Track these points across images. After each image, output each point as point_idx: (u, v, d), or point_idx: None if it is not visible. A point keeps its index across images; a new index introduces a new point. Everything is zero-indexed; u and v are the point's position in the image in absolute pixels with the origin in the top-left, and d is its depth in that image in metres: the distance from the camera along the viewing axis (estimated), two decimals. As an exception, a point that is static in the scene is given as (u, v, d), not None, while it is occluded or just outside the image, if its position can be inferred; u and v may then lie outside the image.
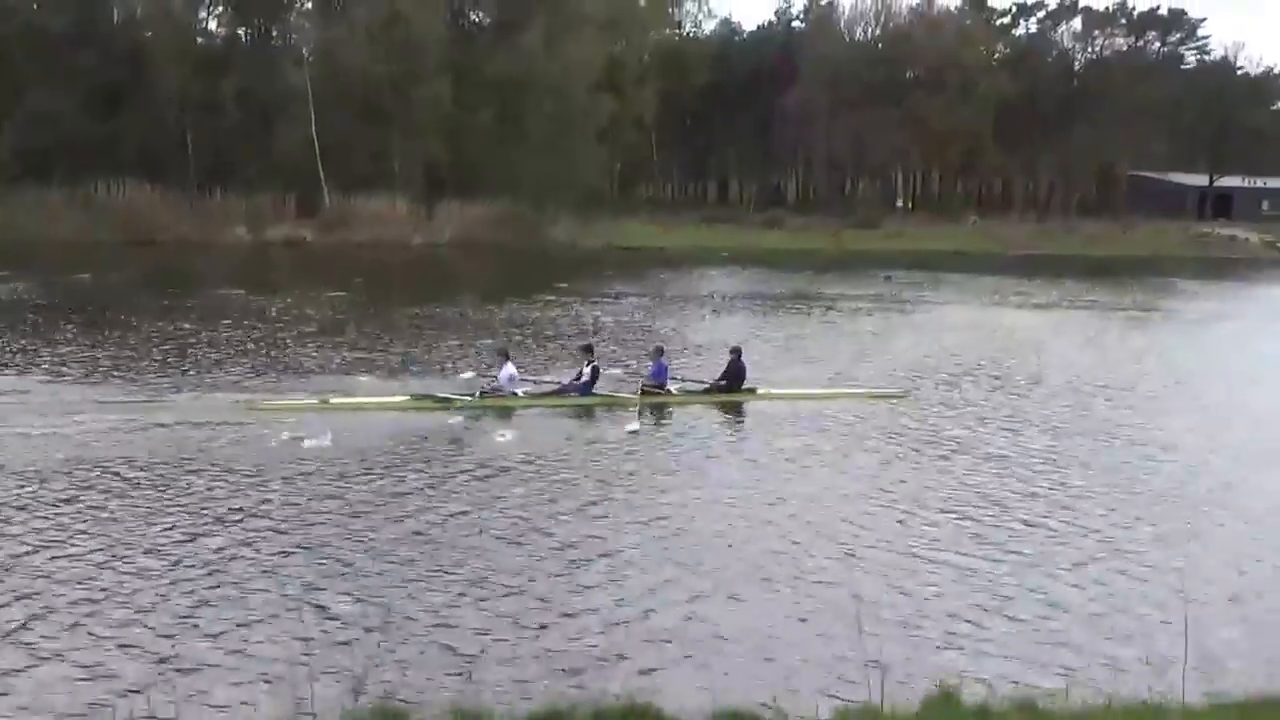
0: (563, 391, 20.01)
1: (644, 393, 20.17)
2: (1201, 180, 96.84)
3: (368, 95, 67.01)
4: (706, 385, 20.84)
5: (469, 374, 21.36)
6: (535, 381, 20.34)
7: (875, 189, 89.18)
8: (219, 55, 67.29)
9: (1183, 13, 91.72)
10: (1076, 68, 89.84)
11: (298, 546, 11.59)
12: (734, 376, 20.79)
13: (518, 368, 20.04)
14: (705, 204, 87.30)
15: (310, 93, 66.57)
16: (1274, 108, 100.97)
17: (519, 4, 72.03)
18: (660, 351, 21.16)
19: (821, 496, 14.09)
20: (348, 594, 10.30)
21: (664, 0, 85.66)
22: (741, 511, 13.28)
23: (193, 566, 10.89)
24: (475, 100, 69.20)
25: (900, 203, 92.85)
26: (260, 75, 67.39)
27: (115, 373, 21.34)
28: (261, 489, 13.63)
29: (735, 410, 19.80)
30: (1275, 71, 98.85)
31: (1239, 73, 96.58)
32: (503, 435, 17.01)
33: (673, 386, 20.55)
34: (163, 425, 16.76)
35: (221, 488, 13.63)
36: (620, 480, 14.66)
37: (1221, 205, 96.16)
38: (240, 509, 12.79)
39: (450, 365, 23.18)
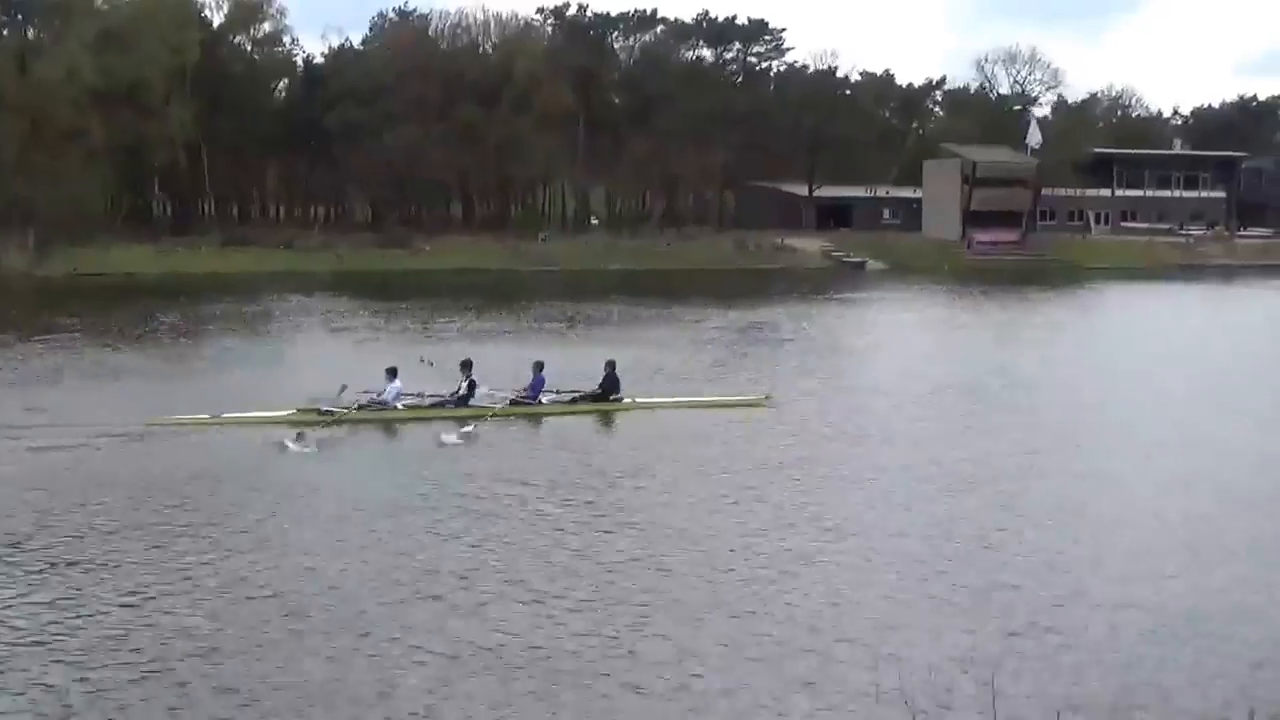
0: (440, 405, 22.04)
1: (513, 404, 22.14)
2: (817, 191, 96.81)
3: None
4: (579, 395, 22.83)
5: (344, 388, 21.99)
6: (418, 396, 22.31)
7: (446, 209, 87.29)
8: None
9: (764, 23, 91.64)
10: (647, 78, 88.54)
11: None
12: (608, 387, 22.88)
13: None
14: (272, 226, 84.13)
15: None
16: (884, 117, 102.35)
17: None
18: (540, 366, 22.89)
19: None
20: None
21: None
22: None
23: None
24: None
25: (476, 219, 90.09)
26: None
27: None
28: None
29: (603, 419, 22.13)
30: (874, 75, 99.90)
31: (840, 79, 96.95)
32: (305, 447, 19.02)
33: (544, 398, 22.54)
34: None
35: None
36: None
37: (842, 216, 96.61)
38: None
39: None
